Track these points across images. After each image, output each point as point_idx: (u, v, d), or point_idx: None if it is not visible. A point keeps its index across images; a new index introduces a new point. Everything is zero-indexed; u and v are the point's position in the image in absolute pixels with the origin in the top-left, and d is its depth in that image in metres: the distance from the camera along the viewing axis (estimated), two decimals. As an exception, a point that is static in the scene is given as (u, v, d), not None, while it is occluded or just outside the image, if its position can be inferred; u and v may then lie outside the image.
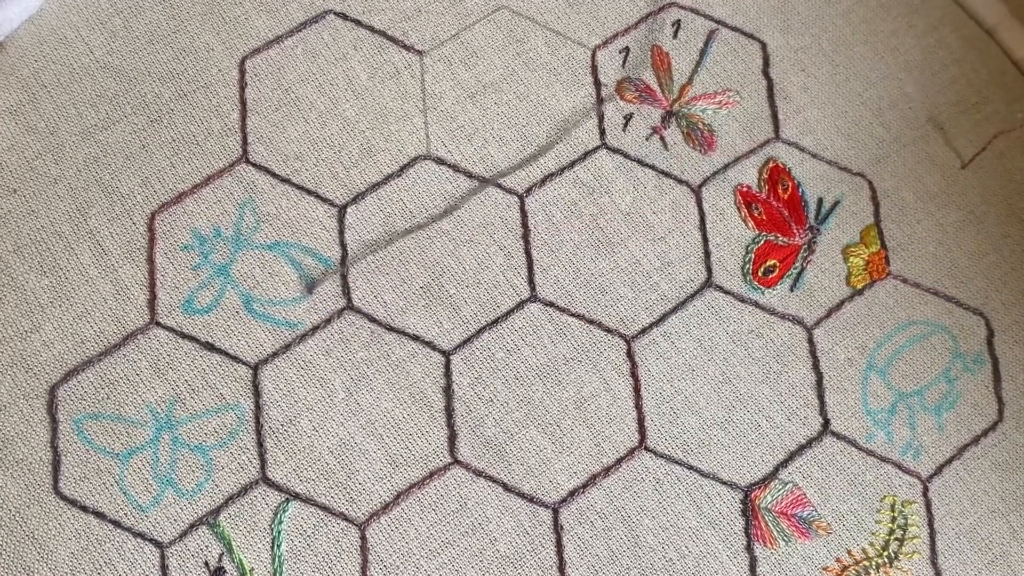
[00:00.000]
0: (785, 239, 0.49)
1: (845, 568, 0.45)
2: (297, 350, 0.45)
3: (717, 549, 0.45)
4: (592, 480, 0.45)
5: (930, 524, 0.46)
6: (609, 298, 0.47)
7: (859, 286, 0.49)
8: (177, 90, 0.48)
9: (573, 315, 0.47)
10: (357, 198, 0.47)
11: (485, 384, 0.46)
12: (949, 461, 0.47)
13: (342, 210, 0.47)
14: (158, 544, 0.43)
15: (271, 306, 0.45)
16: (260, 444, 0.44)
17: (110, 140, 0.47)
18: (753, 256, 0.48)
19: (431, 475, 0.44)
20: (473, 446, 0.45)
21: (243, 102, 0.48)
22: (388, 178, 0.47)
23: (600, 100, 0.50)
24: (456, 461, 0.45)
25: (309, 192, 0.47)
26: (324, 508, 0.44)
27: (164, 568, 0.43)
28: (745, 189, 0.49)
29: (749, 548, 0.45)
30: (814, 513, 0.46)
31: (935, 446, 0.47)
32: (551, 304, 0.47)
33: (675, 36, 0.51)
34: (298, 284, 0.46)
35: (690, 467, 0.46)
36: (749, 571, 0.45)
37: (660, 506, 0.45)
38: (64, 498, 0.43)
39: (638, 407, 0.46)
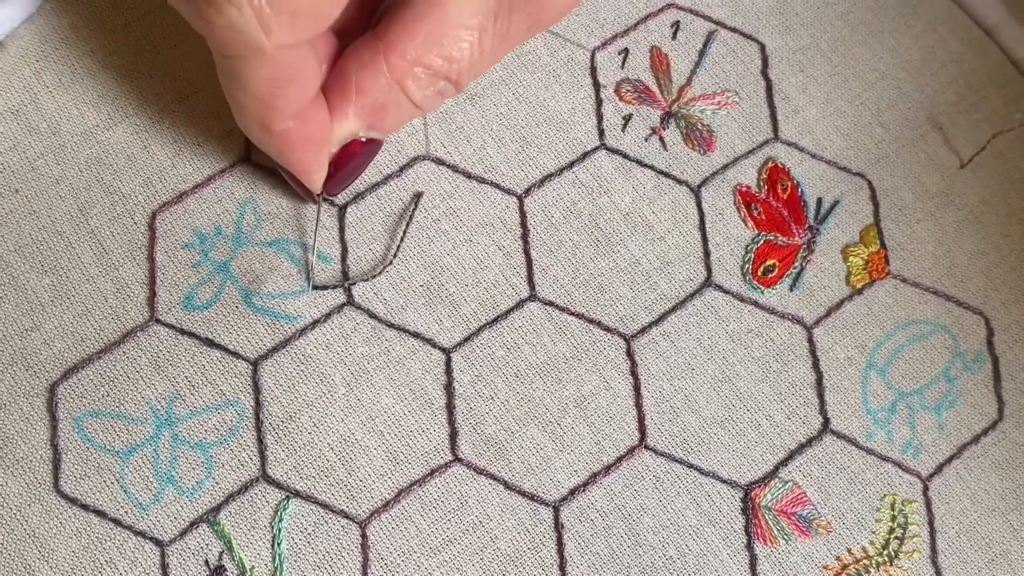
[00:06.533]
0: (784, 239, 0.49)
1: (845, 566, 0.45)
2: (297, 344, 0.45)
3: (717, 547, 0.45)
4: (593, 478, 0.45)
5: (930, 523, 0.46)
6: (608, 297, 0.47)
7: (858, 285, 0.49)
8: (179, 91, 0.48)
9: (573, 314, 0.47)
10: (357, 197, 0.47)
11: (485, 382, 0.46)
12: (949, 460, 0.47)
13: (342, 209, 0.47)
14: (158, 542, 0.43)
15: (271, 299, 0.45)
16: (260, 441, 0.44)
17: (112, 140, 0.47)
18: (752, 256, 0.48)
19: (432, 472, 0.44)
20: (474, 443, 0.45)
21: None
22: (387, 178, 0.48)
23: (599, 101, 0.50)
24: (457, 458, 0.45)
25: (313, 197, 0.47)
26: (324, 505, 0.44)
27: (164, 567, 0.43)
28: (744, 189, 0.49)
29: (749, 546, 0.45)
30: (814, 511, 0.46)
31: (935, 445, 0.47)
32: (551, 303, 0.47)
33: (674, 37, 0.51)
34: (298, 278, 0.46)
35: (690, 465, 0.46)
36: (749, 569, 0.45)
37: (660, 504, 0.45)
38: (65, 496, 0.43)
39: (638, 405, 0.46)
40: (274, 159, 0.44)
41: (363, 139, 0.44)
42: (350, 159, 0.44)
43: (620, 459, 0.45)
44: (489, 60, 0.43)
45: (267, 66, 0.38)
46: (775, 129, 0.50)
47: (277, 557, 0.43)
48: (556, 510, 0.45)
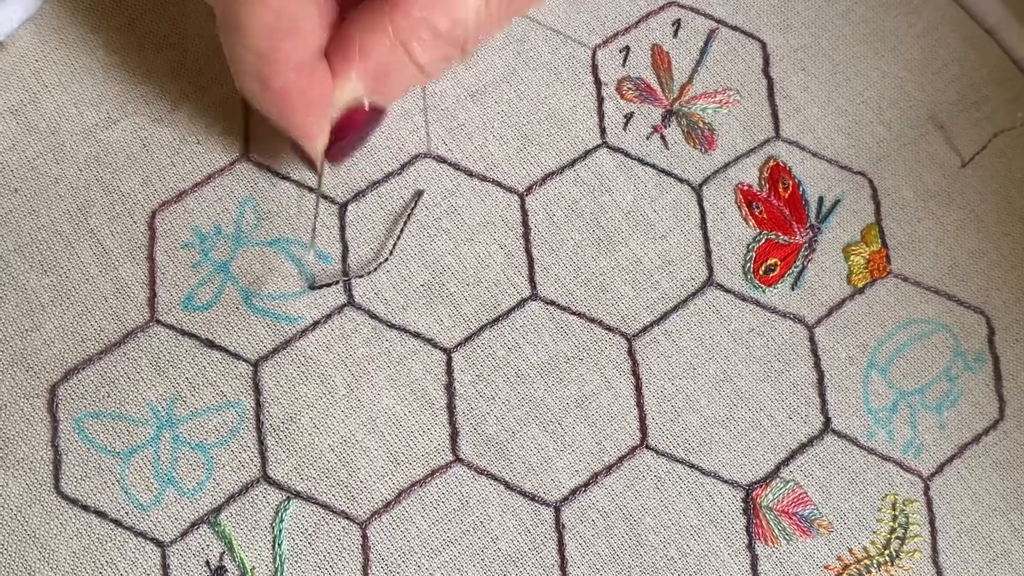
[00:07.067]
0: (786, 238, 0.49)
1: (846, 566, 0.45)
2: (297, 346, 0.45)
3: (718, 547, 0.45)
4: (594, 478, 0.45)
5: (931, 522, 0.46)
6: (610, 296, 0.47)
7: (860, 285, 0.49)
8: (180, 90, 0.48)
9: (574, 313, 0.47)
10: (357, 196, 0.47)
11: (486, 382, 0.46)
12: (950, 459, 0.47)
13: (343, 208, 0.47)
14: (159, 543, 0.43)
15: (271, 300, 0.45)
16: (261, 442, 0.44)
17: (111, 139, 0.47)
18: (754, 255, 0.48)
19: (432, 473, 0.44)
20: (475, 444, 0.45)
21: (245, 102, 0.48)
22: (388, 176, 0.48)
23: (600, 99, 0.50)
24: (458, 459, 0.45)
25: (310, 190, 0.47)
26: (325, 506, 0.44)
27: (165, 567, 0.43)
28: (746, 188, 0.49)
29: (750, 546, 0.45)
30: (815, 511, 0.46)
31: (936, 444, 0.47)
32: (552, 303, 0.47)
33: (675, 35, 0.51)
34: (298, 279, 0.46)
35: (691, 465, 0.46)
36: (750, 569, 0.45)
37: (661, 504, 0.45)
38: (65, 497, 0.43)
39: (639, 405, 0.46)
40: (274, 122, 0.43)
41: (366, 107, 0.43)
42: (352, 127, 0.43)
43: (621, 459, 0.45)
44: (496, 24, 0.42)
45: (266, 13, 0.38)
46: (776, 128, 0.50)
47: (278, 558, 0.43)
48: (557, 510, 0.45)
